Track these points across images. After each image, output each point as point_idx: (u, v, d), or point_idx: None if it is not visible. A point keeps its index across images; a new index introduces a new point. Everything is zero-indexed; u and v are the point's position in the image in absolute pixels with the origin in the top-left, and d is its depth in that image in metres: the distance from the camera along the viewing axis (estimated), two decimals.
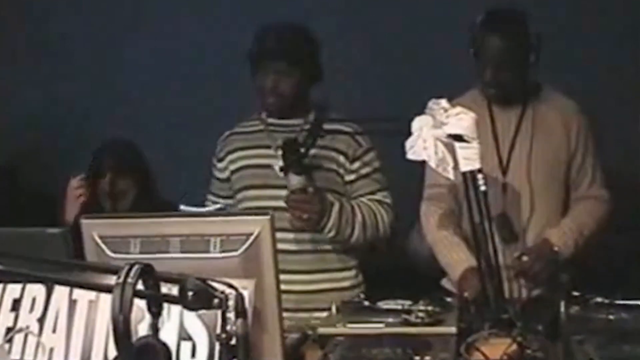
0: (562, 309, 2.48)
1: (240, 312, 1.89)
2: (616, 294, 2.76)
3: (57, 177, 3.95)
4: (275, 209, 2.86)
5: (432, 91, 2.74)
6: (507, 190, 3.26)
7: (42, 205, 4.17)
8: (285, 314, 2.20)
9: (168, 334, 2.04)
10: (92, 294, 2.20)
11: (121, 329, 1.70)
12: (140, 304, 1.82)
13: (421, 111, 2.72)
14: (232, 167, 3.37)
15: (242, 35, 3.33)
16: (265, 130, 3.36)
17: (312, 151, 3.15)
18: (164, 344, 1.84)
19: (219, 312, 1.88)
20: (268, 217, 2.18)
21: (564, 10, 4.33)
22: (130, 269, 1.75)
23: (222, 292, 1.87)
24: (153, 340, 1.84)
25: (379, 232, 3.29)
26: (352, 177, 3.30)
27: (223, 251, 2.17)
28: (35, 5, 4.89)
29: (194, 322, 2.10)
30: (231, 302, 1.88)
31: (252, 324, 2.00)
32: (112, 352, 1.97)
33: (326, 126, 3.16)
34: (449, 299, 2.90)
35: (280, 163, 3.11)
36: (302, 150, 3.08)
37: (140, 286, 1.77)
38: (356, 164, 3.29)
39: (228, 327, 1.89)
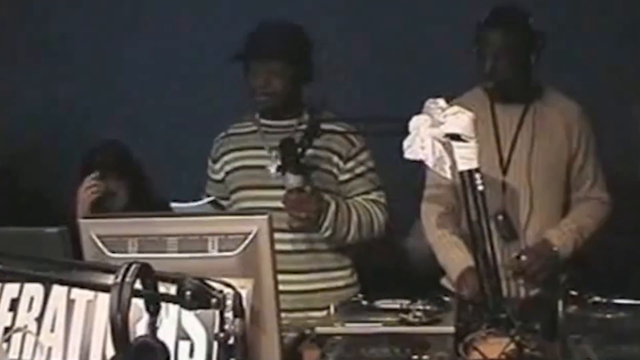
0: (560, 308, 2.49)
1: (238, 311, 1.89)
2: (616, 295, 2.76)
3: (57, 177, 3.95)
4: (271, 209, 2.86)
5: (432, 91, 2.73)
6: (507, 189, 3.27)
7: (42, 205, 4.18)
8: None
9: (166, 334, 2.03)
10: (90, 294, 2.20)
11: (119, 328, 1.70)
12: (138, 303, 1.82)
13: (421, 111, 2.72)
14: (227, 168, 3.38)
15: (242, 35, 3.33)
16: (258, 131, 3.37)
17: (307, 151, 3.15)
18: (162, 344, 1.83)
19: (217, 312, 1.87)
20: (266, 216, 2.18)
21: (564, 10, 4.32)
22: (128, 269, 1.75)
23: (220, 292, 1.86)
24: (151, 340, 1.83)
25: (374, 232, 3.30)
26: (346, 176, 3.30)
27: (221, 250, 2.17)
28: (35, 5, 4.89)
29: (192, 321, 2.10)
30: (229, 302, 1.87)
31: (250, 324, 1.99)
32: (110, 351, 1.98)
33: (321, 126, 3.16)
34: (447, 298, 2.90)
35: (275, 164, 3.13)
36: (300, 150, 3.08)
37: (138, 286, 1.77)
38: (350, 164, 3.30)
39: (226, 327, 1.88)
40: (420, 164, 2.70)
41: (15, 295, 2.26)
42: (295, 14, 3.82)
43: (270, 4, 4.36)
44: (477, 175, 2.69)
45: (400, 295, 2.84)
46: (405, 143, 2.69)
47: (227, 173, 3.38)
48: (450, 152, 2.66)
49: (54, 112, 4.84)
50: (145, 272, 1.79)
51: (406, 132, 2.70)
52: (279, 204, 3.11)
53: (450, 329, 2.57)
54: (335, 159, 3.29)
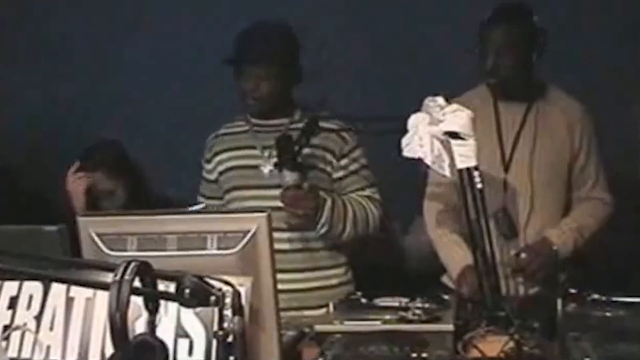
0: (559, 306, 2.49)
1: (238, 309, 1.89)
2: (616, 294, 2.76)
3: (57, 177, 3.95)
4: (265, 208, 2.86)
5: (432, 91, 2.73)
6: (508, 187, 3.27)
7: (42, 205, 4.18)
8: None
9: (165, 331, 2.04)
10: (89, 292, 2.20)
11: (118, 326, 1.70)
12: (137, 301, 1.82)
13: (420, 109, 2.72)
14: (220, 168, 3.39)
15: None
16: (250, 130, 3.37)
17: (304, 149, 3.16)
18: (161, 341, 1.84)
19: (216, 310, 1.88)
20: (265, 214, 2.18)
21: (564, 10, 4.32)
22: (127, 267, 1.75)
23: (219, 290, 1.86)
24: (150, 338, 1.84)
25: (369, 228, 3.30)
26: (340, 173, 3.31)
27: (220, 248, 2.17)
28: (35, 5, 4.90)
29: (191, 319, 2.10)
30: (228, 300, 1.88)
31: (249, 322, 1.99)
32: (109, 349, 1.98)
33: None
34: (446, 296, 2.90)
35: (269, 163, 3.16)
36: (297, 147, 3.08)
37: (137, 283, 1.77)
38: (344, 161, 3.30)
39: (225, 325, 1.89)
40: (418, 161, 2.70)
41: (14, 293, 2.26)
42: (295, 14, 3.83)
43: (270, 4, 4.36)
44: (476, 173, 2.69)
45: (399, 293, 2.84)
46: (404, 141, 2.69)
47: (221, 173, 3.38)
48: (449, 150, 2.66)
49: (54, 112, 4.84)
50: (144, 270, 1.79)
51: (405, 130, 2.70)
52: (273, 204, 3.09)
53: (450, 327, 2.58)
54: (329, 156, 3.29)
